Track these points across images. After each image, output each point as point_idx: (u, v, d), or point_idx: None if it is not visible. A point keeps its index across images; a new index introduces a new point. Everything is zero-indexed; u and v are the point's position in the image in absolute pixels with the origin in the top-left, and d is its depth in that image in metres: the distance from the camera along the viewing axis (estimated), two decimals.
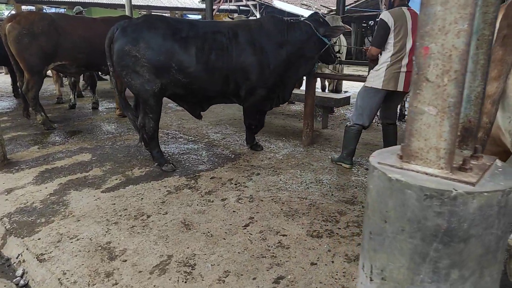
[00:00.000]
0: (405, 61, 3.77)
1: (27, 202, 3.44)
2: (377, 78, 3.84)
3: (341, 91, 7.17)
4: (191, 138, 5.43)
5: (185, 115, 6.62)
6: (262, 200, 3.43)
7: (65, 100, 8.04)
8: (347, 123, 4.22)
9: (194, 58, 3.83)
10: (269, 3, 19.21)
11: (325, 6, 22.62)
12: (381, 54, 3.86)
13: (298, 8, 20.02)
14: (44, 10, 18.89)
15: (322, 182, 3.83)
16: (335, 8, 20.30)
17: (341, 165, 4.23)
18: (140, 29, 3.79)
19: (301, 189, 3.65)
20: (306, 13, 18.88)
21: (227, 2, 21.82)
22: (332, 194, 3.54)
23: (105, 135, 5.56)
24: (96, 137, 5.49)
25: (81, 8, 10.78)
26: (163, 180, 3.92)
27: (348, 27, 6.17)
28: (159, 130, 5.75)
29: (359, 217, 3.12)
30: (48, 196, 3.56)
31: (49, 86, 9.93)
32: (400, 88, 3.84)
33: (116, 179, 3.95)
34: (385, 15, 3.74)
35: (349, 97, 5.62)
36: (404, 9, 3.75)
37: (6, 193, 3.62)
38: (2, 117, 6.60)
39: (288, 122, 6.39)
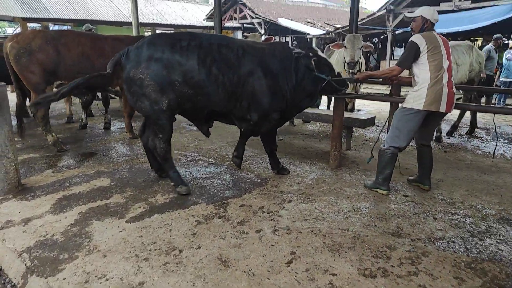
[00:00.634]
0: (445, 79, 3.64)
1: (47, 234, 3.19)
2: (417, 98, 3.66)
3: (354, 109, 7.01)
4: (212, 161, 5.20)
5: (201, 135, 6.41)
6: (301, 232, 3.18)
7: (75, 120, 7.86)
8: (381, 145, 4.00)
9: (196, 68, 3.73)
10: (274, 21, 19.28)
11: (328, 24, 22.75)
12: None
13: (303, 25, 20.09)
14: (50, 28, 18.95)
15: (361, 210, 3.60)
16: (339, 26, 20.41)
17: (376, 191, 3.99)
18: (140, 50, 3.73)
19: (340, 219, 3.41)
20: (311, 30, 18.94)
21: (232, 20, 21.93)
22: (375, 225, 3.30)
23: (121, 157, 5.34)
24: (112, 159, 5.26)
25: (90, 26, 10.74)
26: (190, 208, 3.67)
27: (371, 45, 6.02)
28: (177, 152, 5.62)
29: (411, 253, 2.87)
30: (69, 227, 3.31)
31: (57, 104, 9.75)
32: (443, 109, 3.67)
33: (140, 207, 3.71)
34: (417, 38, 3.69)
35: (374, 117, 5.43)
36: (434, 33, 3.77)
37: (23, 224, 3.37)
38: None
39: (309, 142, 6.17)
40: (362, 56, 6.45)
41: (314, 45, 19.45)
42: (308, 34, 18.25)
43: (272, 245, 2.98)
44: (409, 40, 3.78)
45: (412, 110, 3.72)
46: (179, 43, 3.76)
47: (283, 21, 19.07)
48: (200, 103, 3.90)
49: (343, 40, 6.15)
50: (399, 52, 19.12)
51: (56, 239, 3.11)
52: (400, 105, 3.94)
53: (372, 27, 15.63)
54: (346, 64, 5.69)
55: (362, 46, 5.84)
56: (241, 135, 4.45)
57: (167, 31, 21.34)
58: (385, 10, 15.15)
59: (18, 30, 22.05)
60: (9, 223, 3.39)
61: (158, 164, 4.47)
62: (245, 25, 22.56)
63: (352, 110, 6.90)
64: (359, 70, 6.26)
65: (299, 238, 3.08)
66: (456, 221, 3.41)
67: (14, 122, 7.75)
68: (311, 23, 21.36)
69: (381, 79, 4.49)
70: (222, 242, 3.04)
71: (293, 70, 4.03)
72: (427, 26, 3.78)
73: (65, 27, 24.87)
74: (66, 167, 4.94)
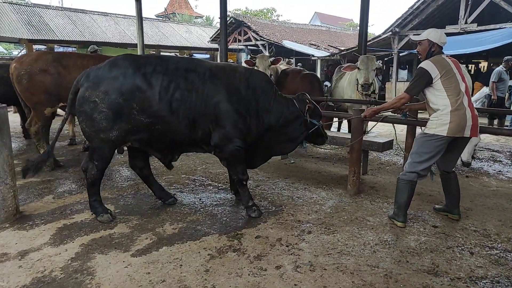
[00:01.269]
0: (465, 102, 3.42)
1: (45, 270, 2.89)
2: (440, 124, 3.42)
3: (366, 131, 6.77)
4: (222, 186, 4.92)
5: (209, 158, 6.18)
6: (325, 269, 2.87)
7: (78, 141, 7.63)
8: (401, 173, 3.71)
9: (157, 97, 3.45)
10: (278, 43, 19.35)
11: (332, 46, 22.85)
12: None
13: (307, 47, 20.15)
14: (56, 50, 19.04)
15: (389, 244, 3.29)
16: (343, 48, 20.48)
17: (393, 222, 3.69)
18: (101, 72, 3.49)
19: (368, 254, 3.10)
20: (315, 52, 18.96)
21: (236, 41, 22.05)
22: (407, 261, 2.99)
23: (125, 182, 5.07)
24: (116, 184, 4.99)
25: (96, 47, 10.65)
26: (201, 240, 3.37)
27: (380, 65, 5.84)
28: (185, 176, 5.35)
29: None
30: (70, 262, 3.00)
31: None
32: (467, 133, 3.42)
33: (147, 239, 3.41)
34: (427, 65, 3.49)
35: (392, 140, 5.17)
36: (444, 56, 3.57)
37: (19, 257, 3.07)
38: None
39: (322, 166, 5.90)
40: (375, 78, 6.27)
41: (318, 66, 19.46)
42: (313, 55, 18.26)
43: (295, 285, 2.67)
44: (418, 67, 3.58)
45: (435, 137, 3.46)
46: (143, 67, 3.49)
47: (288, 43, 19.14)
48: (159, 133, 3.60)
49: (348, 62, 5.99)
50: (402, 73, 19.09)
51: (55, 276, 2.81)
52: (421, 129, 3.69)
53: (378, 49, 15.59)
54: (360, 85, 5.49)
55: (376, 68, 5.66)
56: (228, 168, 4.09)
57: (171, 53, 21.48)
58: (390, 32, 15.15)
59: (24, 52, 22.22)
60: (4, 257, 3.09)
61: (160, 191, 4.21)
62: (249, 47, 22.69)
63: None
64: (373, 92, 6.07)
65: (325, 276, 2.77)
66: (495, 256, 3.09)
67: (14, 144, 7.60)
68: (315, 45, 21.45)
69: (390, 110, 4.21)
70: (239, 280, 2.73)
71: (271, 105, 3.76)
72: (434, 49, 3.59)
73: (70, 49, 25.13)
74: (67, 192, 4.66)
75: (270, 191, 4.67)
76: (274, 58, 7.21)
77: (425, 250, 3.16)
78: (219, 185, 4.96)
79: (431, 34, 3.57)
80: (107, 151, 3.60)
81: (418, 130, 4.45)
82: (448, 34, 14.06)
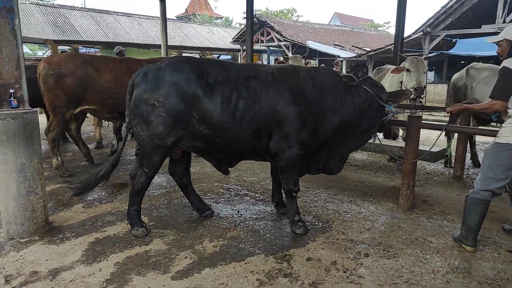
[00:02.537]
0: None
1: None
2: None
3: (398, 136, 6.33)
4: (259, 196, 4.58)
5: (241, 164, 5.82)
6: None
7: (105, 145, 7.44)
8: (470, 191, 3.28)
9: (218, 108, 3.20)
10: (302, 43, 18.94)
11: (357, 47, 22.29)
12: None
13: (332, 48, 19.67)
14: (80, 50, 19.16)
15: (462, 272, 2.88)
16: (368, 49, 19.91)
17: (460, 245, 3.27)
18: (162, 73, 3.24)
19: (440, 285, 2.70)
20: (340, 53, 18.47)
21: (259, 42, 21.74)
22: None
23: (157, 190, 4.79)
24: (148, 192, 4.70)
25: (121, 48, 10.48)
26: (246, 261, 3.04)
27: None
28: (218, 184, 5.04)
29: None
30: (105, 284, 2.72)
31: (85, 127, 9.44)
32: None
33: (186, 257, 3.10)
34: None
35: (445, 149, 4.73)
36: None
37: (51, 277, 2.80)
38: None
39: (363, 175, 5.49)
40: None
41: (344, 68, 18.94)
42: (338, 56, 17.78)
43: None
44: (502, 67, 3.16)
45: (510, 146, 3.04)
46: (206, 75, 3.25)
47: (312, 44, 18.70)
48: (218, 144, 3.37)
49: (375, 63, 5.56)
50: (429, 75, 18.37)
51: None
52: (493, 140, 3.26)
53: (409, 49, 14.99)
54: (413, 89, 5.06)
55: (427, 70, 5.22)
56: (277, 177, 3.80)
57: (192, 54, 21.35)
58: (421, 33, 14.56)
59: (49, 52, 22.50)
60: (34, 276, 2.83)
61: (198, 202, 3.92)
62: (271, 47, 22.36)
63: (395, 137, 6.23)
64: (419, 96, 5.62)
65: None
66: None
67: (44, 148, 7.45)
68: (339, 46, 20.94)
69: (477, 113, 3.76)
70: None
71: (343, 100, 3.42)
72: None
73: (93, 50, 25.34)
74: (97, 200, 4.41)
75: (312, 204, 4.30)
76: (307, 59, 6.84)
77: (507, 281, 2.74)
78: (256, 195, 4.62)
79: (509, 33, 3.16)
80: (159, 158, 3.35)
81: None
82: (484, 34, 13.35)
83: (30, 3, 17.75)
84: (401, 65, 5.64)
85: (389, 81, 6.17)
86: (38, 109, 9.74)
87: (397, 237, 3.45)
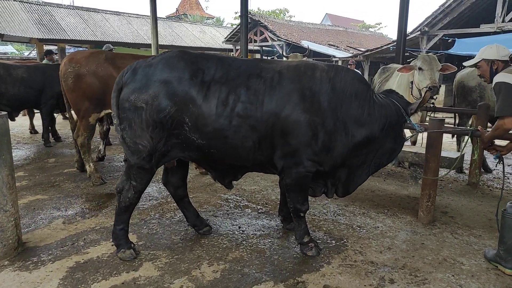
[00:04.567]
0: None
1: None
2: None
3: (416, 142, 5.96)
4: (261, 208, 4.14)
5: None
6: None
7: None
8: (508, 204, 2.88)
9: (213, 113, 2.72)
10: (297, 43, 18.55)
11: (351, 47, 22.00)
12: None
13: (327, 48, 19.32)
14: (67, 50, 18.50)
15: None
16: (362, 49, 19.59)
17: (497, 267, 2.87)
18: (152, 70, 2.77)
19: None
20: (336, 53, 18.13)
21: (251, 42, 21.29)
22: None
23: (147, 202, 4.31)
24: (137, 204, 4.23)
25: (111, 46, 9.98)
26: None
27: (455, 66, 5.01)
28: (215, 194, 4.58)
29: None
30: None
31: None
32: None
33: (182, 287, 2.64)
34: (504, 77, 2.86)
35: (463, 155, 4.33)
36: None
37: None
38: (17, 171, 5.38)
39: (372, 183, 5.07)
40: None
41: None
42: (334, 56, 17.41)
43: None
44: (495, 83, 2.91)
45: None
46: (201, 73, 2.76)
47: (307, 44, 18.30)
48: (214, 156, 2.88)
49: (372, 63, 5.17)
50: None
51: None
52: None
53: (406, 49, 14.69)
54: (427, 88, 4.66)
55: (440, 68, 4.83)
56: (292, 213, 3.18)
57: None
58: (419, 32, 14.25)
59: (34, 52, 21.77)
60: None
61: (195, 218, 3.46)
62: (264, 47, 21.92)
63: (414, 143, 5.84)
64: (432, 97, 5.24)
65: None
66: None
67: (20, 152, 6.90)
68: (334, 46, 20.60)
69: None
70: None
71: (371, 111, 2.88)
72: (497, 67, 3.01)
73: (81, 49, 24.63)
74: (80, 215, 3.92)
75: (322, 217, 3.87)
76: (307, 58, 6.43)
77: None
78: (258, 207, 4.17)
79: (485, 53, 3.07)
80: (148, 170, 2.86)
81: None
82: (483, 34, 13.06)
83: (14, 0, 17.03)
84: (411, 64, 5.26)
85: (398, 81, 5.78)
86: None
87: (423, 258, 3.03)
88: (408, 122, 3.02)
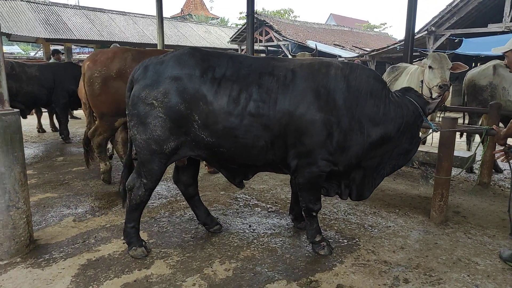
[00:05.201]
0: None
1: None
2: None
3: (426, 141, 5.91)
4: (271, 207, 4.12)
5: None
6: None
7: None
8: None
9: (224, 110, 2.69)
10: (302, 43, 18.52)
11: (357, 47, 21.94)
12: None
13: (333, 48, 19.27)
14: (73, 50, 18.58)
15: None
16: (368, 49, 19.52)
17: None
18: (163, 67, 2.75)
19: None
20: (342, 53, 18.08)
21: (256, 42, 21.28)
22: None
23: (157, 200, 4.31)
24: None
25: (118, 46, 10.00)
26: None
27: (465, 65, 4.97)
28: (224, 193, 4.56)
29: None
30: None
31: (78, 129, 8.91)
32: None
33: (194, 285, 2.64)
34: None
35: (475, 155, 4.29)
36: None
37: None
38: (27, 169, 5.35)
39: (384, 183, 4.84)
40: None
41: None
42: (339, 56, 17.36)
43: None
44: None
45: None
46: (212, 70, 2.73)
47: (312, 44, 18.26)
48: (224, 156, 2.86)
49: (378, 63, 5.12)
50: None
51: None
52: None
53: (421, 49, 14.64)
54: (437, 87, 4.63)
55: (451, 67, 4.79)
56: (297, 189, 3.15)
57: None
58: (425, 32, 14.17)
59: (41, 52, 21.88)
60: None
61: (206, 216, 3.44)
62: (269, 47, 21.91)
63: (424, 142, 5.79)
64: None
65: None
66: None
67: (29, 151, 6.93)
68: (339, 45, 20.55)
69: None
70: None
71: (386, 110, 2.81)
72: None
73: (86, 50, 24.65)
74: (90, 213, 3.92)
75: (333, 217, 3.84)
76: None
77: None
78: (268, 206, 4.15)
79: None
80: (158, 167, 2.85)
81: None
82: (490, 34, 12.94)
83: (21, 0, 17.14)
84: (422, 62, 5.22)
85: (408, 79, 5.74)
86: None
87: (437, 258, 3.00)
88: (425, 121, 2.97)
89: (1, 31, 2.87)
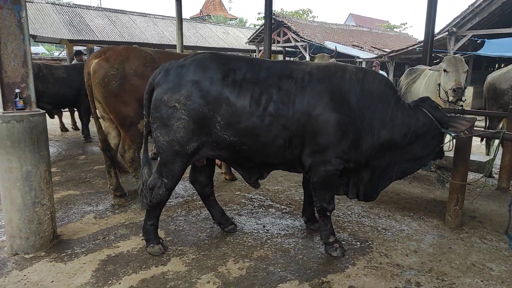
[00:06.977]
0: None
1: None
2: None
3: None
4: (285, 208, 4.17)
5: None
6: None
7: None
8: None
9: (247, 111, 2.79)
10: (320, 44, 18.46)
11: (376, 48, 21.70)
12: None
13: (351, 48, 19.14)
14: (95, 50, 19.04)
15: None
16: (387, 50, 19.29)
17: None
18: (185, 71, 2.86)
19: None
20: (360, 54, 17.93)
21: (274, 43, 21.32)
22: None
23: (174, 199, 4.42)
24: None
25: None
26: None
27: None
28: (239, 193, 4.64)
29: None
30: None
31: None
32: None
33: (209, 282, 2.71)
34: None
35: (493, 159, 4.22)
36: None
37: None
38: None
39: (397, 186, 5.01)
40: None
41: None
42: (358, 57, 17.25)
43: None
44: None
45: None
46: (233, 73, 2.85)
47: (331, 44, 18.19)
48: (243, 154, 2.96)
49: (396, 64, 5.08)
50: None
51: None
52: None
53: (433, 50, 14.39)
54: (451, 90, 4.60)
55: (467, 70, 4.74)
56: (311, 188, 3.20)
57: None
58: (446, 33, 13.93)
59: (65, 53, 22.49)
60: None
61: (221, 216, 3.53)
62: (287, 48, 21.92)
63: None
64: (460, 99, 5.14)
65: None
66: None
67: (52, 149, 7.17)
68: (358, 46, 20.38)
69: None
70: None
71: (396, 116, 2.93)
72: None
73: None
74: (110, 210, 4.06)
75: (346, 219, 3.87)
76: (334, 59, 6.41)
77: None
78: (282, 207, 4.21)
79: None
80: (179, 167, 2.97)
81: None
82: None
83: (46, 3, 17.70)
84: (438, 66, 5.19)
85: (426, 82, 5.70)
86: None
87: (450, 262, 2.99)
88: (443, 132, 2.99)
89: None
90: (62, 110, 8.90)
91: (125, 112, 4.00)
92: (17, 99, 2.99)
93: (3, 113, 2.93)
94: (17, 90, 2.98)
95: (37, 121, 3.02)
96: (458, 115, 5.01)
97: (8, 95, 2.98)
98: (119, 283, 2.69)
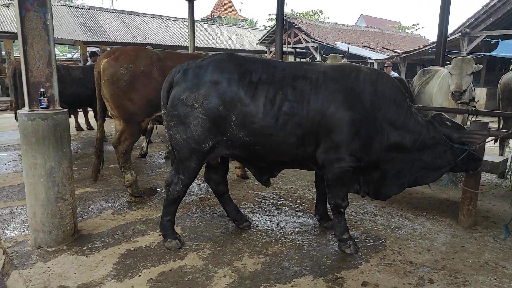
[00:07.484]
0: None
1: None
2: None
3: None
4: (298, 207, 4.23)
5: None
6: None
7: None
8: None
9: (261, 111, 2.88)
10: (331, 45, 18.45)
11: (387, 49, 21.59)
12: None
13: (362, 50, 19.08)
14: None
15: None
16: (399, 51, 19.19)
17: None
18: (203, 71, 2.95)
19: None
20: (372, 55, 17.87)
21: (285, 44, 21.36)
22: None
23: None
24: None
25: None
26: (292, 283, 2.70)
27: (479, 66, 4.90)
28: (252, 192, 4.72)
29: None
30: None
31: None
32: None
33: (225, 276, 2.79)
34: None
35: (507, 159, 4.23)
36: None
37: None
38: None
39: None
40: (472, 84, 5.30)
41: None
42: (369, 58, 17.20)
43: None
44: None
45: None
46: (249, 74, 2.94)
47: (342, 45, 18.18)
48: (258, 153, 3.04)
49: (409, 65, 5.10)
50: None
51: None
52: None
53: (446, 51, 14.29)
54: (450, 94, 4.63)
55: (473, 72, 4.75)
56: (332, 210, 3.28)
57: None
58: (459, 33, 13.82)
59: (78, 54, 22.87)
60: None
61: (235, 213, 3.61)
62: (297, 49, 21.94)
63: None
64: (472, 99, 5.14)
65: None
66: None
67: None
68: (369, 47, 20.32)
69: None
70: None
71: (407, 120, 3.03)
72: None
73: None
74: (127, 207, 4.17)
75: (359, 218, 3.91)
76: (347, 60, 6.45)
77: None
78: (295, 205, 4.27)
79: None
80: (196, 165, 3.08)
81: None
82: None
83: (62, 5, 18.06)
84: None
85: (439, 83, 5.71)
86: None
87: (463, 260, 3.02)
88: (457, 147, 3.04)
89: None
90: (78, 110, 9.11)
91: (131, 109, 4.14)
92: (42, 97, 3.11)
93: (28, 111, 3.05)
94: (41, 89, 3.10)
95: (60, 119, 3.14)
96: (472, 116, 5.03)
97: (33, 94, 3.10)
98: (139, 276, 2.79)
